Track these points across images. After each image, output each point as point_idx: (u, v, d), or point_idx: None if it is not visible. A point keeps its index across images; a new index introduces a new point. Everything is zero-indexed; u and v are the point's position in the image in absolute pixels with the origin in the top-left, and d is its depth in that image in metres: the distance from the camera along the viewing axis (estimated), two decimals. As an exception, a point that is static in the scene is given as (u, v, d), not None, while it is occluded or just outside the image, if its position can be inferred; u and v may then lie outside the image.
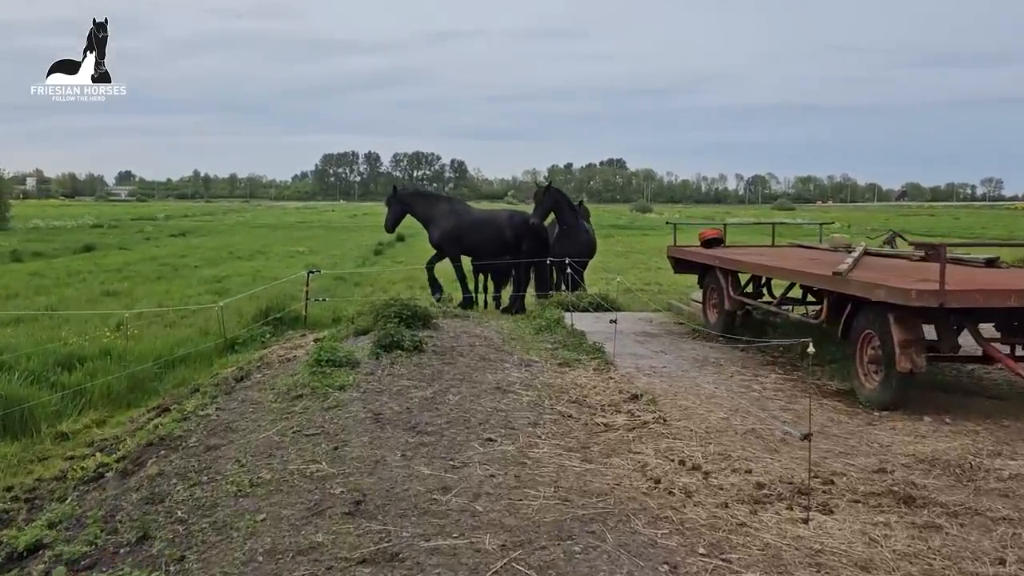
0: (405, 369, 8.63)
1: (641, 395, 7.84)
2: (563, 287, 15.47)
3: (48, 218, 63.70)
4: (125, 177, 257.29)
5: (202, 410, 8.37)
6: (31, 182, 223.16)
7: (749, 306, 11.23)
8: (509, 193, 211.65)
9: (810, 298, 10.99)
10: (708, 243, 12.26)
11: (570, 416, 7.14)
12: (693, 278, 14.04)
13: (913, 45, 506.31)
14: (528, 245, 14.90)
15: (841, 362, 8.95)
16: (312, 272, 13.90)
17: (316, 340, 12.38)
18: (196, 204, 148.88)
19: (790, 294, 11.50)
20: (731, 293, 10.82)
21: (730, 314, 11.02)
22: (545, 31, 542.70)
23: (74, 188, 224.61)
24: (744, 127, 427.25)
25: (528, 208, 17.00)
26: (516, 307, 14.78)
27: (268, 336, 13.22)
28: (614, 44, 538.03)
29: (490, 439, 6.30)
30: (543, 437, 6.46)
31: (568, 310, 13.60)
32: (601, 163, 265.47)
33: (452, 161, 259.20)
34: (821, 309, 8.59)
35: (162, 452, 6.96)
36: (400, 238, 43.23)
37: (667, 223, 13.58)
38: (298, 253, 34.43)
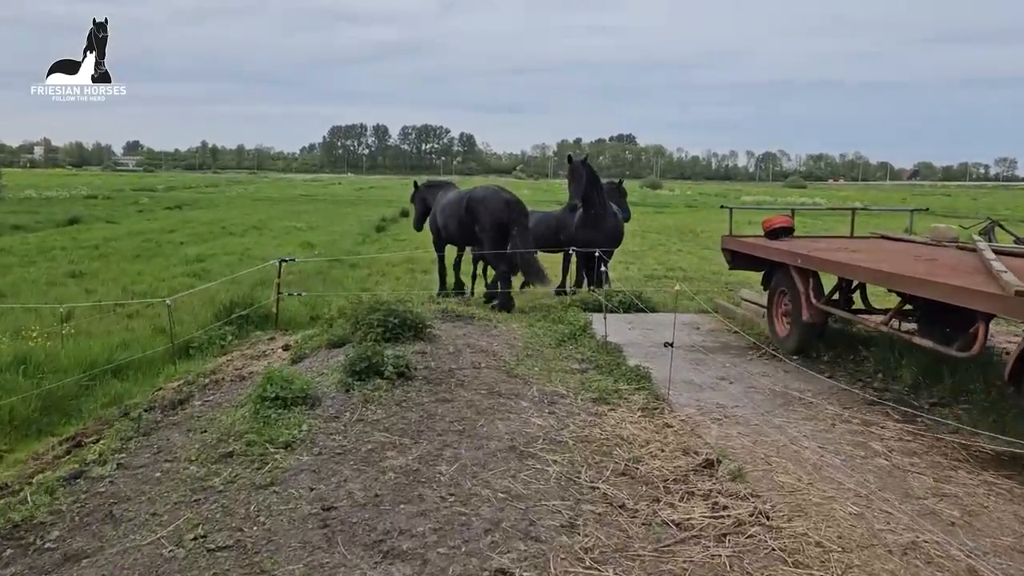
0: (382, 411, 6.22)
1: (718, 460, 5.42)
2: (585, 282, 13.00)
3: (43, 188, 61.37)
4: (133, 147, 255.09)
5: (101, 464, 6.01)
6: (39, 151, 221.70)
7: (835, 317, 8.74)
8: (518, 167, 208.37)
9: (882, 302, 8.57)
10: (774, 233, 9.75)
11: (622, 506, 4.72)
12: (719, 261, 11.59)
13: (925, 21, 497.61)
14: (482, 224, 12.14)
15: (991, 407, 6.51)
16: (285, 261, 11.45)
17: (286, 347, 10.02)
18: (204, 175, 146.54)
19: (864, 295, 9.05)
20: (813, 300, 8.33)
21: (809, 327, 8.52)
22: (556, 3, 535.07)
23: (81, 157, 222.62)
24: (755, 103, 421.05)
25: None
26: (489, 299, 12.41)
27: (230, 339, 10.82)
28: (626, 17, 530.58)
29: (502, 571, 3.88)
30: (587, 558, 4.05)
31: (594, 311, 11.19)
32: (611, 138, 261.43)
33: (461, 134, 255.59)
34: (973, 337, 6.10)
35: (6, 553, 4.60)
36: (404, 213, 40.81)
37: (722, 207, 10.84)
38: (295, 229, 31.97)
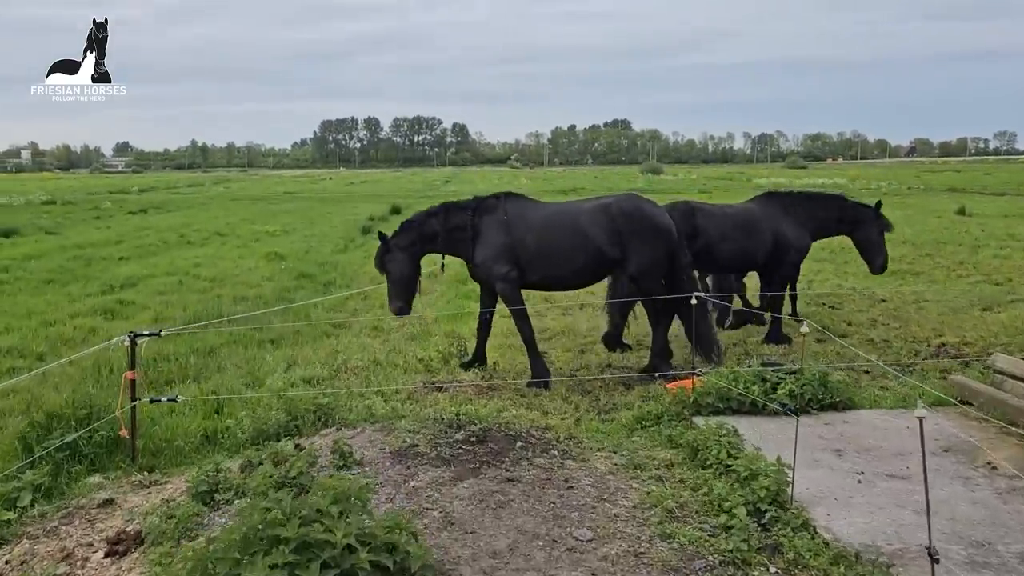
0: None
1: None
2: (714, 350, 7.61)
3: (-1, 193, 55.86)
4: (123, 148, 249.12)
5: None
6: (26, 155, 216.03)
7: None
8: (512, 156, 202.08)
9: None
10: None
11: None
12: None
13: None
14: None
15: None
16: (142, 336, 5.83)
17: (117, 542, 4.64)
18: (194, 174, 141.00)
19: None
20: None
21: None
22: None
23: (70, 160, 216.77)
24: (750, 84, 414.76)
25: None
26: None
27: (27, 502, 5.36)
28: (616, 3, 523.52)
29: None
30: None
31: (740, 412, 5.87)
32: (605, 124, 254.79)
33: (454, 125, 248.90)
34: None
35: None
36: (395, 211, 35.23)
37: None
38: (266, 235, 26.57)
